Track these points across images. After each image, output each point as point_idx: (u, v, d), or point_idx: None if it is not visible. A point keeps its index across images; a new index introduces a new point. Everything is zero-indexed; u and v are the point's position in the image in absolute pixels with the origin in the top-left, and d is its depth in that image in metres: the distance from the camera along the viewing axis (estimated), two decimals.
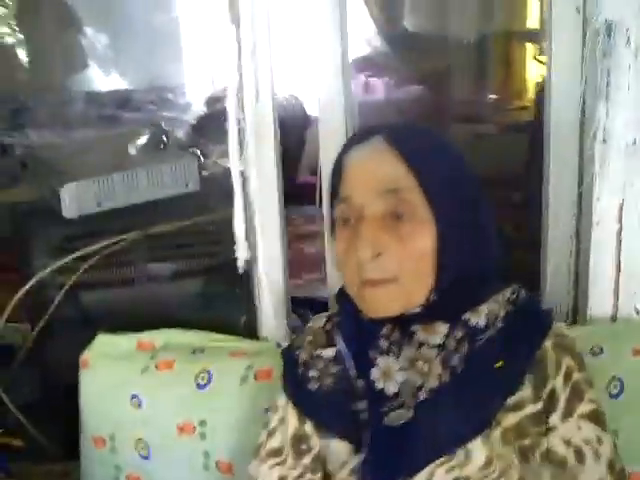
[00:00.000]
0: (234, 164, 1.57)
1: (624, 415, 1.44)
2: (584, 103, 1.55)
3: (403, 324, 1.15)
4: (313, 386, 1.23)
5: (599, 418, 1.17)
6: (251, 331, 1.76)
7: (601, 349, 1.50)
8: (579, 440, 1.14)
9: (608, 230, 1.58)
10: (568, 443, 1.14)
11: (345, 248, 1.15)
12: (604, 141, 1.51)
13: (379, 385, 1.14)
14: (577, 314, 1.70)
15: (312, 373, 1.23)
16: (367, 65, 4.23)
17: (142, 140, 2.02)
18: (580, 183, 1.62)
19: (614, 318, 1.63)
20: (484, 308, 1.16)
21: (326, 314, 1.33)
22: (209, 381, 1.60)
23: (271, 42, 1.61)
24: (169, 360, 1.64)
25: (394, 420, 1.12)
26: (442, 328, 1.14)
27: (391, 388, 1.13)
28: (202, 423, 1.58)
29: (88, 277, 1.89)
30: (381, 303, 1.13)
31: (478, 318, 1.15)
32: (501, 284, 1.22)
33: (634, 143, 1.51)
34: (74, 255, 1.82)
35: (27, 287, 1.84)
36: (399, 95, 3.96)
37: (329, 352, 1.23)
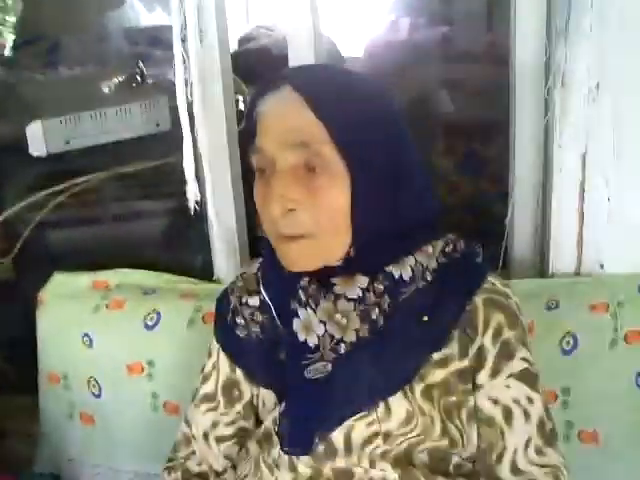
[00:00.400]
0: (181, 104, 1.53)
1: (576, 371, 1.42)
2: (549, 45, 1.47)
3: (322, 276, 1.10)
4: (241, 332, 1.20)
5: (530, 378, 1.13)
6: (207, 272, 1.73)
7: (557, 303, 1.47)
8: (507, 399, 1.11)
9: (571, 179, 1.51)
10: (496, 402, 1.11)
11: (261, 200, 1.10)
12: (563, 85, 1.43)
13: (301, 337, 1.09)
14: (542, 268, 1.65)
15: (239, 320, 1.20)
16: (401, 5, 4.12)
17: (116, 79, 1.99)
18: (545, 129, 1.55)
19: (578, 272, 1.58)
20: (410, 260, 1.11)
21: (260, 260, 1.28)
22: (157, 322, 1.59)
23: None
24: (120, 300, 1.64)
25: (313, 373, 1.08)
26: (361, 281, 1.09)
27: (312, 340, 1.09)
28: (150, 363, 1.59)
29: (56, 215, 1.87)
30: (297, 258, 1.09)
31: (402, 270, 1.10)
32: (434, 235, 1.16)
33: (597, 87, 1.44)
34: (40, 194, 1.80)
35: None
36: (425, 36, 3.84)
37: (255, 300, 1.19)
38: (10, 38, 4.00)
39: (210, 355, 1.28)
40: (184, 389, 1.49)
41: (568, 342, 1.42)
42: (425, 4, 3.99)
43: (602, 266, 1.56)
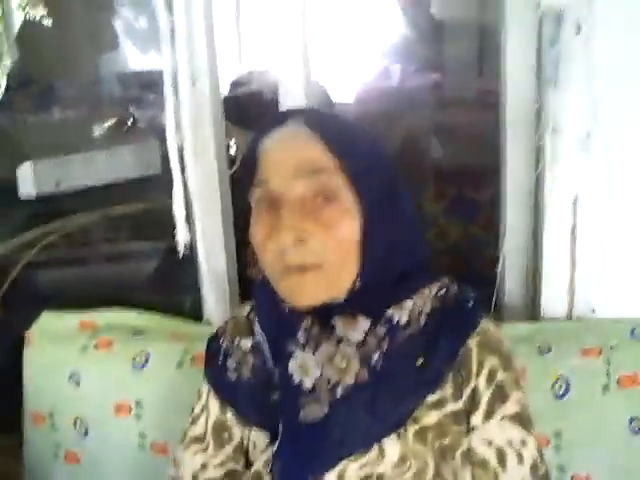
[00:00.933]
0: (171, 148, 1.53)
1: (569, 416, 1.41)
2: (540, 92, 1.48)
3: (324, 317, 1.10)
4: (232, 376, 1.19)
5: (524, 420, 1.13)
6: (197, 314, 1.73)
7: (549, 348, 1.46)
8: (501, 441, 1.11)
9: (562, 225, 1.52)
10: (490, 444, 1.11)
11: (265, 233, 1.09)
12: (554, 131, 1.44)
13: (296, 379, 1.09)
14: (533, 312, 1.64)
15: (230, 363, 1.20)
16: (391, 52, 4.16)
17: (108, 122, 2.00)
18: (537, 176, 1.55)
19: (569, 316, 1.58)
20: (408, 304, 1.12)
21: (251, 303, 1.28)
22: (146, 362, 1.58)
23: (212, 28, 1.61)
24: (109, 339, 1.62)
25: (308, 415, 1.08)
26: (363, 324, 1.10)
27: (307, 383, 1.09)
28: (138, 404, 1.57)
29: (45, 255, 1.87)
30: (305, 290, 1.08)
31: (401, 314, 1.11)
32: (430, 279, 1.17)
33: (588, 136, 1.45)
34: (31, 233, 1.80)
35: None
36: (417, 82, 3.87)
37: (247, 343, 1.19)
38: (3, 82, 4.04)
39: (199, 397, 1.27)
40: (172, 429, 1.49)
41: (560, 386, 1.41)
42: (416, 51, 4.04)
43: (594, 311, 1.55)
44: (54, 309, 1.75)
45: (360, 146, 1.11)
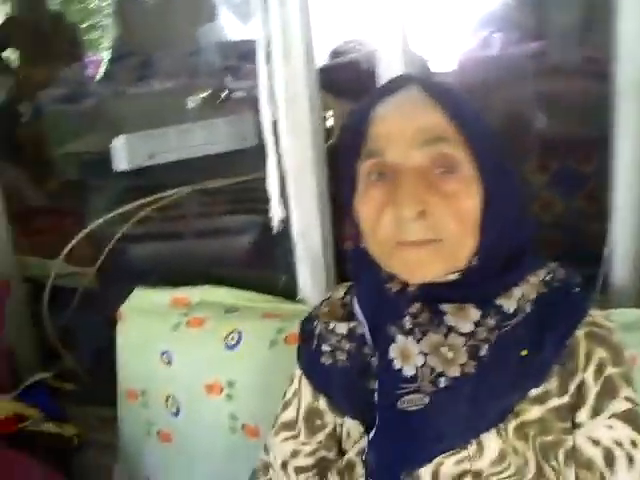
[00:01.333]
0: (265, 121, 1.48)
1: None
2: None
3: (432, 303, 1.03)
4: (326, 361, 1.13)
5: (635, 419, 1.03)
6: (290, 292, 1.68)
7: None
8: (609, 441, 1.02)
9: None
10: (596, 443, 1.02)
11: (377, 205, 1.02)
12: None
13: (397, 365, 1.02)
14: None
15: (325, 347, 1.13)
16: (491, 20, 4.04)
17: (202, 94, 1.97)
18: None
19: None
20: (516, 292, 1.04)
21: (347, 284, 1.22)
22: (239, 342, 1.55)
23: None
24: (201, 318, 1.60)
25: (408, 405, 1.01)
26: (474, 314, 1.02)
27: (409, 370, 1.01)
28: (230, 384, 1.54)
29: (139, 229, 1.86)
30: (423, 265, 1.00)
31: (509, 303, 1.03)
32: (536, 263, 1.09)
33: None
34: (126, 207, 1.79)
35: (80, 235, 1.83)
36: (518, 51, 3.75)
37: (343, 327, 1.12)
38: (107, 54, 4.11)
39: (292, 381, 1.22)
40: (264, 412, 1.46)
41: None
42: (517, 19, 3.90)
43: None
44: (147, 284, 1.75)
45: (477, 115, 1.04)
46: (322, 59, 4.33)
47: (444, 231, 0.99)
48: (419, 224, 0.98)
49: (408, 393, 1.01)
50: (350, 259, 1.16)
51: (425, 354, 1.01)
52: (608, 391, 1.02)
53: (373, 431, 1.03)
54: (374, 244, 1.05)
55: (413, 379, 1.01)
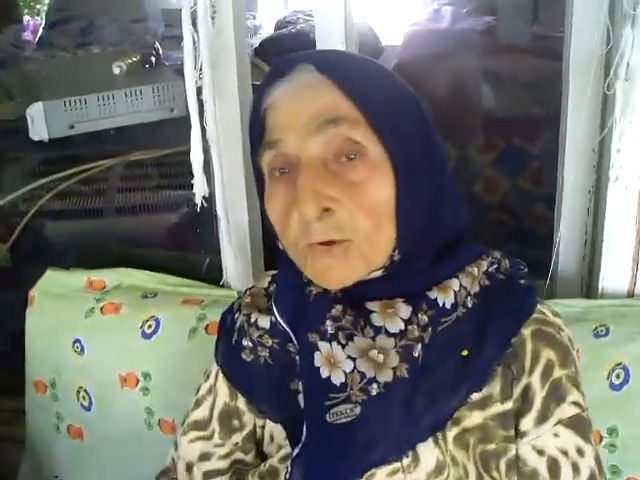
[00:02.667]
0: (189, 89, 1.36)
1: (626, 410, 1.26)
2: (609, 32, 1.27)
3: (356, 302, 0.93)
4: (247, 357, 1.02)
5: (582, 425, 0.97)
6: (216, 276, 1.57)
7: (607, 330, 1.31)
8: (555, 450, 0.95)
9: (629, 188, 1.33)
10: (541, 452, 0.95)
11: (282, 205, 0.92)
12: (627, 79, 1.24)
13: (324, 373, 0.92)
14: (591, 285, 1.46)
15: (246, 342, 1.02)
16: None
17: (129, 60, 1.83)
18: (602, 129, 1.36)
19: (631, 294, 1.40)
20: (454, 283, 0.94)
21: (272, 273, 1.11)
22: (156, 330, 1.45)
23: None
24: (116, 303, 1.49)
25: (337, 417, 0.91)
26: (403, 311, 0.92)
27: (337, 378, 0.91)
28: (146, 376, 1.45)
29: (56, 205, 1.74)
30: (336, 271, 0.90)
31: (445, 296, 0.93)
32: (477, 253, 1.00)
33: None
34: (41, 181, 1.67)
35: None
36: (468, 25, 3.68)
37: (265, 321, 1.01)
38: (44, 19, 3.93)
39: (207, 377, 1.12)
40: (182, 406, 1.33)
41: (618, 375, 1.26)
42: None
43: None
44: (63, 264, 1.62)
45: (384, 91, 0.93)
46: (269, 29, 4.24)
47: (354, 228, 0.88)
48: (325, 223, 0.88)
49: (337, 404, 0.91)
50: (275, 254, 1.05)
51: (353, 358, 0.91)
52: (555, 396, 0.95)
53: (299, 447, 0.93)
54: (287, 245, 0.95)
55: (342, 387, 0.90)
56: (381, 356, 0.90)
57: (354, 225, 0.88)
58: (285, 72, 0.93)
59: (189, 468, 1.09)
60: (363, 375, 0.90)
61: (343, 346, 0.91)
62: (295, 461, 0.94)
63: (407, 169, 0.90)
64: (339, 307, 0.92)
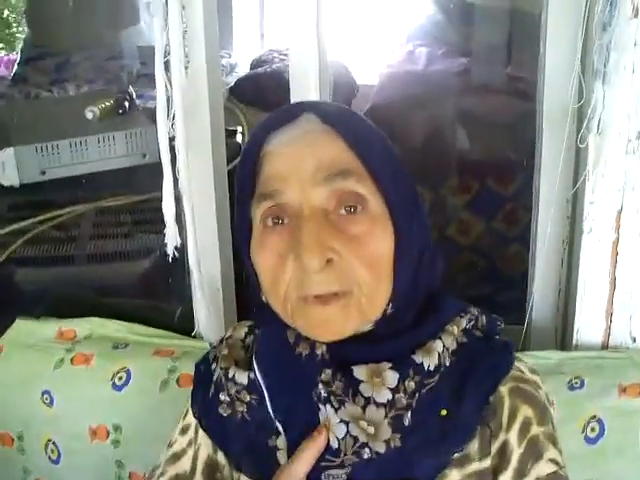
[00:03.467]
0: (161, 137, 1.34)
1: (602, 464, 1.25)
2: (582, 87, 1.28)
3: (343, 367, 0.91)
4: (224, 412, 1.00)
5: None
6: (188, 326, 1.55)
7: (582, 382, 1.30)
8: None
9: (602, 240, 1.33)
10: None
11: (276, 256, 0.89)
12: (599, 133, 1.25)
13: None
14: (565, 336, 1.46)
15: (223, 397, 1.00)
16: (417, 34, 4.03)
17: (102, 105, 1.82)
18: (575, 180, 1.36)
19: (605, 345, 1.40)
20: (438, 345, 0.93)
21: (248, 323, 1.08)
22: (127, 381, 1.42)
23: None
24: (87, 354, 1.46)
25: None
26: (391, 378, 0.90)
27: (333, 442, 0.89)
28: (117, 429, 1.42)
29: (28, 251, 1.72)
30: (331, 324, 0.89)
31: (429, 359, 0.92)
32: (457, 308, 0.99)
33: (637, 137, 1.26)
34: (9, 228, 1.65)
35: None
36: (443, 66, 3.70)
37: (243, 377, 0.97)
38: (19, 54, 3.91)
39: (184, 430, 1.08)
40: (153, 459, 1.29)
41: (593, 429, 1.25)
42: (444, 34, 3.87)
43: (634, 340, 1.38)
44: (32, 313, 1.59)
45: (380, 145, 0.94)
46: (245, 68, 4.25)
47: (354, 281, 0.87)
48: (325, 275, 0.86)
49: (332, 467, 0.89)
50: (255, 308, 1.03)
51: (346, 422, 0.89)
52: (533, 453, 0.93)
53: None
54: (275, 299, 0.92)
55: (336, 452, 0.89)
56: (372, 428, 0.89)
57: (355, 277, 0.87)
58: (287, 120, 0.92)
59: None
60: (356, 439, 0.89)
61: (336, 410, 0.89)
62: None
63: (405, 222, 0.90)
64: (328, 371, 0.91)
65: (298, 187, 0.88)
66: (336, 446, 0.89)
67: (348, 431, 0.89)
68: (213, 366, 1.03)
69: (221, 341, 1.07)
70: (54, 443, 1.45)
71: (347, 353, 0.91)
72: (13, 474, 1.51)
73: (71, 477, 1.45)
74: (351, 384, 0.90)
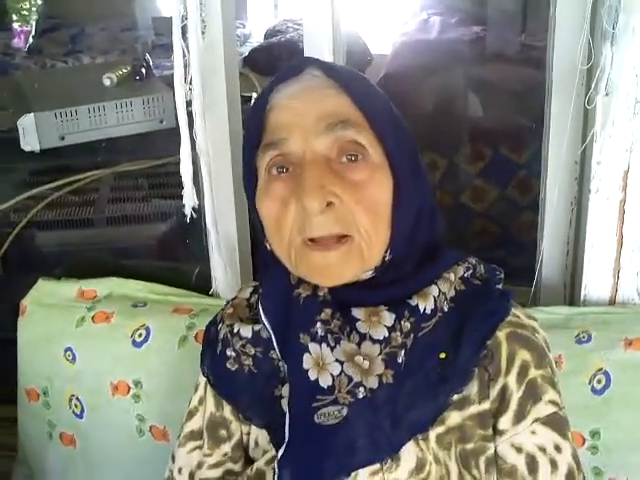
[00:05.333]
0: (179, 101, 1.37)
1: (608, 413, 1.29)
2: (591, 49, 1.30)
3: (343, 308, 0.96)
4: (231, 366, 1.04)
5: (559, 423, 0.99)
6: (205, 285, 1.58)
7: (589, 336, 1.33)
8: (533, 446, 0.98)
9: (610, 200, 1.36)
10: (519, 450, 0.98)
11: (279, 201, 0.94)
12: (607, 94, 1.27)
13: (312, 375, 0.94)
14: (574, 293, 1.49)
15: (230, 352, 1.04)
16: (433, 3, 4.02)
17: (119, 71, 1.85)
18: (583, 142, 1.39)
19: (612, 301, 1.43)
20: (433, 290, 0.98)
21: (254, 283, 1.13)
22: (147, 338, 1.46)
23: None
24: (107, 312, 1.50)
25: (325, 418, 0.93)
26: (387, 318, 0.95)
27: (325, 381, 0.94)
28: (137, 384, 1.46)
29: (47, 215, 1.76)
30: (333, 269, 0.93)
31: (425, 302, 0.96)
32: (454, 259, 1.03)
33: None
34: (31, 192, 1.68)
35: None
36: (455, 35, 3.70)
37: (247, 331, 1.03)
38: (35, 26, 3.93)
39: (196, 389, 1.14)
40: (173, 413, 1.39)
41: (600, 380, 1.28)
42: (458, 3, 3.86)
43: None
44: (55, 273, 1.63)
45: (385, 104, 0.99)
46: (259, 38, 4.25)
47: (354, 225, 0.92)
48: (326, 217, 0.91)
49: (325, 405, 0.93)
50: (259, 258, 1.08)
51: (341, 362, 0.93)
52: (531, 395, 0.98)
53: (284, 447, 0.95)
54: (278, 245, 0.97)
55: (330, 390, 0.93)
56: (367, 363, 0.93)
57: (354, 221, 0.92)
58: (293, 75, 0.97)
59: (192, 477, 1.11)
60: (350, 379, 0.93)
61: (332, 348, 0.94)
62: (281, 462, 0.95)
63: (404, 175, 0.95)
64: (328, 311, 0.95)
65: (301, 136, 0.93)
66: (330, 383, 0.93)
67: (342, 370, 0.93)
68: (220, 325, 1.08)
69: (227, 303, 1.12)
70: (77, 398, 1.49)
71: (347, 297, 0.96)
72: (39, 428, 1.56)
73: (94, 431, 1.49)
74: (348, 322, 0.95)
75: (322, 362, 0.94)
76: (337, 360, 0.94)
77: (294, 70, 0.98)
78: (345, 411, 0.93)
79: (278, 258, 0.99)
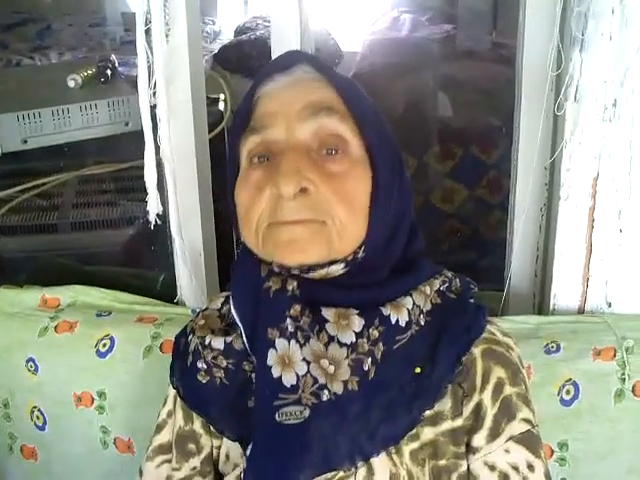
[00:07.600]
0: (143, 104, 1.35)
1: (576, 425, 1.28)
2: (560, 55, 1.29)
3: (313, 306, 0.94)
4: (202, 379, 1.02)
5: (532, 441, 0.99)
6: (170, 292, 1.56)
7: (558, 347, 1.32)
8: (506, 465, 0.97)
9: (579, 207, 1.35)
10: (492, 468, 0.97)
11: (254, 187, 0.94)
12: (576, 100, 1.26)
13: (275, 372, 0.92)
14: (543, 302, 1.48)
15: (201, 364, 1.02)
16: (404, 1, 4.04)
17: (84, 73, 1.81)
18: (553, 148, 1.38)
19: (581, 310, 1.43)
20: (408, 302, 0.96)
21: (225, 294, 1.10)
22: (111, 348, 1.43)
23: None
24: (70, 322, 1.47)
25: (287, 417, 0.91)
26: (356, 323, 0.93)
27: (289, 379, 0.92)
28: (101, 395, 1.43)
29: (8, 221, 1.72)
30: (298, 244, 0.92)
31: (399, 315, 0.95)
32: (430, 272, 1.03)
33: (614, 105, 1.27)
34: None
35: None
36: (426, 33, 3.69)
37: (219, 342, 1.00)
38: None
39: (165, 402, 1.12)
40: (137, 425, 1.38)
41: (568, 391, 1.28)
42: (429, 1, 3.86)
43: (610, 305, 1.40)
44: (16, 280, 1.60)
45: (371, 104, 1.01)
46: (229, 35, 4.23)
47: (328, 213, 0.91)
48: (299, 202, 0.90)
49: (287, 404, 0.91)
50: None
51: (308, 362, 0.92)
52: (506, 413, 0.98)
53: (249, 447, 0.94)
54: (247, 230, 0.96)
55: (293, 389, 0.91)
56: (332, 367, 0.92)
57: (328, 210, 0.91)
58: (284, 67, 0.98)
59: None
60: (316, 380, 0.92)
61: (301, 346, 0.92)
62: (247, 464, 0.94)
63: (383, 171, 0.95)
64: (297, 307, 0.93)
65: (285, 124, 0.93)
66: (294, 382, 0.91)
67: (309, 370, 0.91)
68: (190, 337, 1.05)
69: (197, 314, 1.10)
70: (39, 410, 1.46)
71: (317, 294, 0.94)
72: (0, 440, 1.52)
73: (56, 443, 1.46)
74: (318, 321, 0.93)
75: (288, 360, 0.92)
76: (304, 359, 0.92)
77: (287, 62, 0.99)
78: (307, 412, 0.91)
79: (249, 251, 0.98)
